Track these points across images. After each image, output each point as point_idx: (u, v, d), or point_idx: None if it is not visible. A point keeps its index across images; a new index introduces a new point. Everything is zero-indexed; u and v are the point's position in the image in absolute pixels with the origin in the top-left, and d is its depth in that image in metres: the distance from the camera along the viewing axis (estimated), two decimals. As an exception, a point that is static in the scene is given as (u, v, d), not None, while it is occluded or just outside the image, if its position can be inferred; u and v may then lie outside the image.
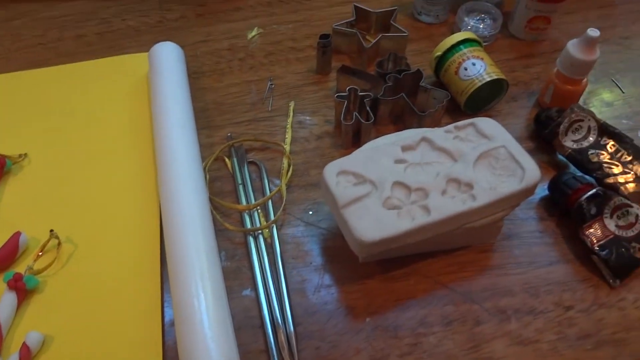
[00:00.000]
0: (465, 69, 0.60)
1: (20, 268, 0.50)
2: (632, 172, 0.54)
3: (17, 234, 0.51)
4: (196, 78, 0.68)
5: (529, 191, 0.47)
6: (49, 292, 0.49)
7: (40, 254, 0.51)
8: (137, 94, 0.65)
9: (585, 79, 0.60)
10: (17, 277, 0.47)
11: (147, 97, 0.64)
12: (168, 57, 0.64)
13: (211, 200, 0.54)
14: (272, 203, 0.55)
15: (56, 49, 0.73)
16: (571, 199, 0.52)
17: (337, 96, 0.59)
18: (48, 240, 0.51)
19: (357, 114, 0.58)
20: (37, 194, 0.56)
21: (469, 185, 0.46)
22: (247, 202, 0.55)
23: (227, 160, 0.59)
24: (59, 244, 0.51)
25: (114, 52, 0.71)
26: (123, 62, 0.70)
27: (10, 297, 0.47)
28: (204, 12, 0.77)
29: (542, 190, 0.56)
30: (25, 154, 0.59)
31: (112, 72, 0.68)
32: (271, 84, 0.67)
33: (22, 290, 0.47)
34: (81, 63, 0.70)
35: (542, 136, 0.59)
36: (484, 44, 0.68)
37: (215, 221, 0.52)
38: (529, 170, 0.47)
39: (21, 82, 0.68)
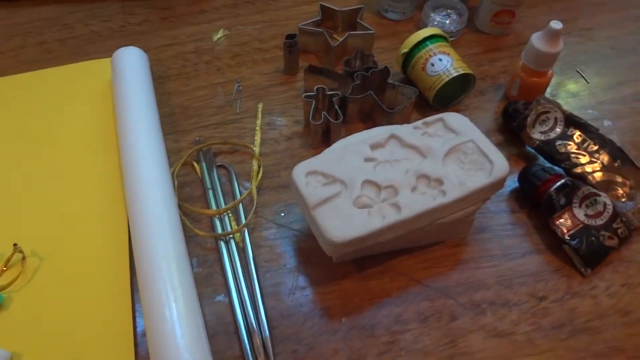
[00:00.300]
0: (432, 65, 0.61)
1: (-16, 285, 0.48)
2: (598, 162, 0.55)
3: (-21, 250, 0.49)
4: (161, 82, 0.67)
5: (498, 184, 0.47)
6: (14, 308, 0.47)
7: (4, 269, 0.49)
8: (101, 100, 0.64)
9: (550, 71, 0.61)
10: (-20, 295, 0.46)
11: (112, 104, 0.63)
12: (131, 62, 0.62)
13: (180, 207, 0.53)
14: (242, 206, 0.54)
15: (17, 56, 0.71)
16: (540, 190, 0.52)
17: (305, 96, 0.59)
18: (12, 255, 0.49)
19: (325, 114, 0.58)
20: (0, 207, 0.54)
21: (439, 181, 0.46)
22: (217, 206, 0.54)
23: (195, 164, 0.58)
24: (24, 258, 0.49)
25: (78, 59, 0.70)
26: (86, 69, 0.68)
27: (-27, 316, 0.45)
28: (168, 15, 0.76)
29: (512, 183, 0.56)
30: (-15, 167, 0.57)
31: (75, 79, 0.67)
32: (238, 86, 0.66)
33: (-14, 307, 0.46)
34: (43, 70, 0.68)
35: (510, 129, 0.59)
36: (450, 39, 0.68)
37: (185, 227, 0.51)
38: (498, 164, 0.47)
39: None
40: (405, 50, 0.63)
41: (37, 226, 0.53)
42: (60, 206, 0.54)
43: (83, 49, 0.72)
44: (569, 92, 0.66)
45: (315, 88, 0.59)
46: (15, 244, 0.50)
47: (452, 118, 0.51)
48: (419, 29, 0.65)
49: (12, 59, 0.71)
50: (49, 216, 0.53)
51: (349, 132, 0.54)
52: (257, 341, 0.45)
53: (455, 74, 0.59)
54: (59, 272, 0.49)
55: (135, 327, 0.46)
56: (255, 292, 0.48)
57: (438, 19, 0.71)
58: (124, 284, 0.48)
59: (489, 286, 0.49)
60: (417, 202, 0.45)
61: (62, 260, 0.50)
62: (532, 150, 0.58)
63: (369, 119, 0.62)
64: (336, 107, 0.58)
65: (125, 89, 0.59)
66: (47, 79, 0.67)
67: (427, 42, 0.62)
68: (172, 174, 0.56)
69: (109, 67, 0.65)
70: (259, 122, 0.62)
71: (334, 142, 0.52)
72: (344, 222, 0.44)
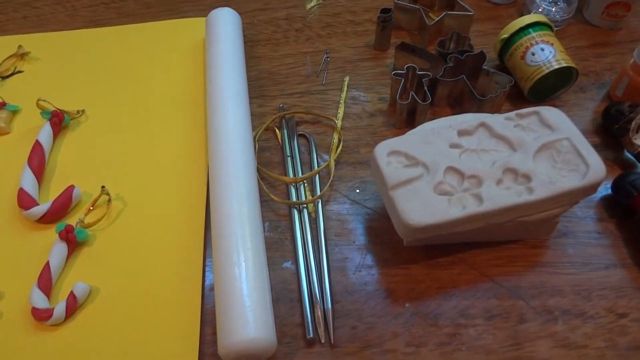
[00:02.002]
0: (533, 54, 0.57)
1: (72, 220, 0.51)
2: None
3: (71, 187, 0.52)
4: (252, 46, 0.67)
5: (591, 189, 0.45)
6: (97, 245, 0.50)
7: (91, 208, 0.52)
8: (193, 58, 0.66)
9: (664, 74, 0.56)
10: (69, 229, 0.49)
11: (203, 62, 0.64)
12: (225, 23, 0.63)
13: (259, 171, 0.54)
14: (319, 178, 0.54)
15: (118, 9, 0.74)
16: (636, 201, 0.49)
17: (394, 74, 0.58)
18: (99, 196, 0.52)
19: (413, 94, 0.56)
20: (92, 151, 0.57)
21: (527, 177, 0.44)
22: (295, 174, 0.55)
23: (277, 131, 0.58)
24: (110, 200, 0.52)
25: (173, 15, 0.72)
26: (181, 26, 0.70)
27: (61, 248, 0.48)
28: (265, -21, 0.76)
29: (605, 189, 0.53)
30: (83, 111, 0.61)
31: (170, 35, 0.69)
32: (327, 57, 0.66)
33: (73, 242, 0.49)
34: (141, 24, 0.71)
35: (610, 132, 0.56)
36: (555, 28, 0.64)
37: (261, 191, 0.52)
38: (594, 166, 0.44)
39: (83, 40, 0.69)
40: (505, 35, 0.60)
41: (124, 172, 0.55)
42: (147, 156, 0.57)
43: (179, 7, 0.74)
44: (682, 98, 0.61)
45: (405, 67, 0.58)
46: (102, 186, 0.52)
47: (549, 112, 0.48)
48: (522, 14, 0.62)
49: (113, 11, 0.74)
50: (136, 164, 0.56)
51: (435, 116, 0.52)
52: (319, 312, 0.45)
53: (557, 67, 0.56)
54: (140, 218, 0.52)
55: (204, 280, 0.48)
56: (322, 264, 0.48)
57: (544, 6, 0.67)
58: (197, 238, 0.50)
59: (564, 294, 0.47)
60: (500, 196, 0.43)
61: (144, 207, 0.53)
62: (632, 157, 0.54)
63: (458, 105, 0.60)
64: (425, 88, 0.57)
65: (218, 49, 0.61)
66: (144, 32, 0.70)
67: (530, 30, 0.59)
68: (254, 138, 0.56)
69: (203, 26, 0.67)
70: (343, 95, 0.61)
71: (419, 124, 0.51)
72: (422, 207, 0.43)
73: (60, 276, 0.48)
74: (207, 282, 0.48)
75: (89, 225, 0.51)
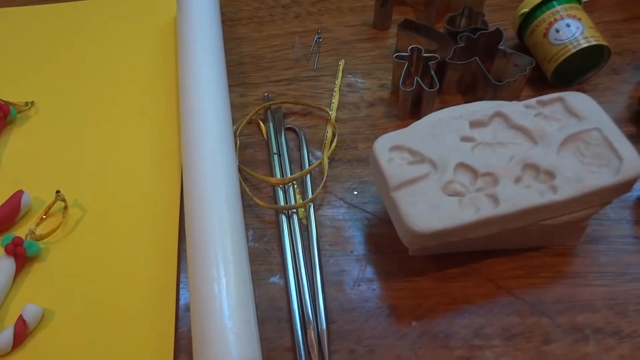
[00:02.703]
0: (557, 31, 0.58)
1: (21, 232, 0.52)
2: None
3: (19, 193, 0.53)
4: (231, 26, 0.68)
5: (625, 186, 0.45)
6: (51, 260, 0.51)
7: (44, 217, 0.53)
8: (163, 38, 0.66)
9: None
10: (17, 242, 0.49)
11: (174, 44, 0.65)
12: (199, -2, 0.64)
13: (241, 170, 0.54)
14: (310, 178, 0.55)
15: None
16: (677, 200, 0.50)
17: (396, 56, 0.59)
18: (53, 202, 0.53)
19: (419, 79, 0.57)
20: (44, 149, 0.58)
21: (550, 174, 0.45)
22: (282, 175, 0.55)
23: (261, 124, 0.59)
24: (66, 207, 0.53)
25: (140, -10, 0.72)
26: (149, 2, 0.71)
27: (8, 264, 0.49)
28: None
29: (641, 187, 0.54)
30: (32, 102, 0.61)
31: (135, 13, 0.69)
32: (319, 38, 0.67)
33: (22, 256, 0.49)
34: (101, 0, 0.71)
35: (647, 120, 0.57)
36: (583, 1, 0.65)
37: (244, 194, 0.53)
38: (628, 161, 0.45)
39: (30, 18, 0.70)
40: (525, 10, 0.61)
41: (83, 174, 0.56)
42: (109, 155, 0.57)
43: (147, -20, 0.74)
44: None
45: (409, 48, 0.59)
46: (57, 191, 0.53)
47: (576, 99, 0.49)
48: (545, -15, 0.63)
49: (70, -15, 0.74)
50: (97, 165, 0.56)
51: (444, 105, 0.53)
52: (312, 334, 0.46)
53: (586, 45, 0.57)
54: (102, 228, 0.52)
55: (178, 300, 0.49)
56: (316, 278, 0.49)
57: (570, -24, 0.68)
58: (170, 250, 0.51)
59: (596, 309, 0.47)
60: (520, 197, 0.44)
61: (107, 215, 0.53)
62: (672, 150, 0.55)
63: (470, 91, 0.61)
64: (432, 72, 0.57)
65: (191, 29, 0.61)
66: (104, 9, 0.70)
67: (554, 2, 0.60)
68: (235, 133, 0.57)
69: (174, 2, 0.67)
70: (338, 82, 0.62)
71: (425, 114, 0.52)
72: (429, 210, 0.43)
73: (6, 297, 0.49)
74: (181, 302, 0.49)
75: (42, 237, 0.51)
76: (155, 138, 0.58)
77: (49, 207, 0.53)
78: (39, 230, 0.51)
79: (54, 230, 0.52)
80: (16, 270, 0.49)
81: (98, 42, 0.67)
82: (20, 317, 0.46)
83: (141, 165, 0.56)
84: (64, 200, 0.53)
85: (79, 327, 0.47)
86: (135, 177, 0.55)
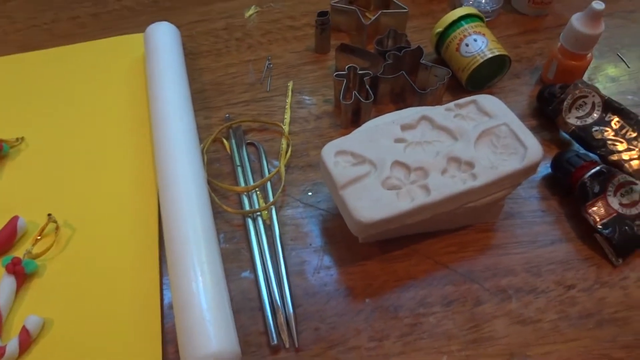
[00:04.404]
0: (467, 45, 0.59)
1: (19, 252, 0.50)
2: (636, 149, 0.53)
3: (15, 218, 0.51)
4: (193, 59, 0.67)
5: (531, 169, 0.46)
6: (48, 276, 0.49)
7: (38, 238, 0.50)
8: (134, 75, 0.65)
9: (589, 54, 0.59)
10: (16, 261, 0.47)
11: (144, 79, 0.63)
12: (164, 37, 0.63)
13: (209, 183, 0.53)
14: (271, 184, 0.54)
15: (50, 30, 0.72)
16: (574, 177, 0.51)
17: (336, 75, 0.58)
18: (46, 224, 0.51)
19: (356, 93, 0.57)
20: (35, 178, 0.56)
21: (470, 164, 0.46)
22: (246, 183, 0.54)
23: (225, 141, 0.58)
24: (57, 227, 0.51)
25: (110, 34, 0.70)
26: (119, 44, 0.69)
27: (9, 282, 0.47)
28: (200, -10, 0.76)
29: (545, 169, 0.55)
30: (22, 138, 0.59)
31: (107, 54, 0.68)
32: (269, 64, 0.66)
33: (21, 274, 0.47)
34: (76, 45, 0.69)
35: (545, 113, 0.58)
36: (486, 19, 0.66)
37: (213, 203, 0.52)
38: (531, 148, 0.46)
39: (16, 65, 0.67)
40: (440, 29, 0.62)
41: (70, 197, 0.54)
42: (92, 179, 0.55)
43: (115, 24, 0.72)
44: (609, 76, 0.64)
45: (346, 67, 0.59)
46: (49, 214, 0.51)
47: (486, 100, 0.50)
48: (454, 8, 0.64)
49: (46, 33, 0.72)
50: (82, 188, 0.55)
51: (380, 113, 0.53)
52: (281, 318, 0.45)
53: (491, 55, 0.58)
54: (91, 243, 0.51)
55: (162, 299, 0.47)
56: (281, 270, 0.48)
57: (474, -1, 0.69)
58: (152, 257, 0.49)
59: (516, 273, 0.48)
60: (446, 185, 0.44)
61: (94, 231, 0.51)
62: (567, 136, 0.56)
63: (400, 100, 0.61)
64: (367, 86, 0.58)
65: (158, 64, 0.60)
66: (80, 53, 0.68)
67: (462, 22, 0.61)
68: (202, 150, 0.56)
69: (141, 42, 0.66)
70: (289, 100, 0.62)
71: (364, 122, 0.51)
72: (372, 203, 0.43)
73: (10, 311, 0.46)
74: (165, 301, 0.47)
75: (38, 256, 0.49)
76: (133, 161, 0.56)
77: (43, 229, 0.51)
78: (35, 250, 0.49)
79: (48, 249, 0.50)
80: (17, 286, 0.47)
81: (77, 81, 0.65)
82: (24, 327, 0.44)
83: (122, 186, 0.54)
84: (55, 221, 0.51)
85: (76, 332, 0.45)
86: (117, 196, 0.54)
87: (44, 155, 0.58)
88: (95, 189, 0.54)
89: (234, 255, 0.50)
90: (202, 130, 0.59)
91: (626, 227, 0.48)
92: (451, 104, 0.51)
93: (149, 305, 0.47)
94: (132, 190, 0.54)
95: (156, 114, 0.56)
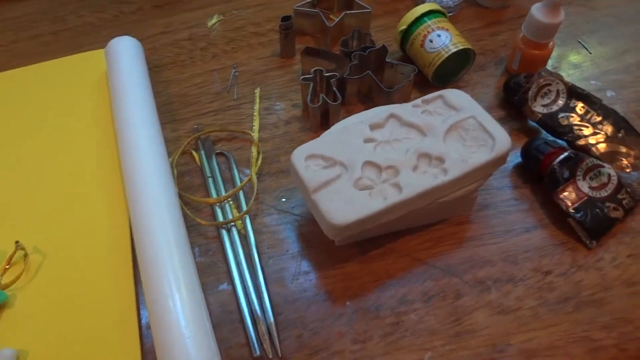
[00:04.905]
0: (431, 41, 0.59)
1: (-12, 283, 0.48)
2: (602, 133, 0.54)
3: (-18, 248, 0.49)
4: (157, 71, 0.66)
5: (500, 160, 0.47)
6: (19, 306, 0.47)
7: (7, 267, 0.49)
8: (97, 92, 0.63)
9: (551, 43, 0.59)
10: (-15, 293, 0.46)
11: (108, 95, 0.62)
12: (125, 52, 0.62)
13: (180, 196, 0.52)
14: (243, 194, 0.54)
15: (11, 51, 0.70)
16: (544, 164, 0.51)
17: (302, 79, 0.58)
18: (14, 252, 0.49)
19: (324, 96, 0.57)
20: (0, 205, 0.54)
21: (440, 159, 0.46)
22: (218, 194, 0.54)
23: (194, 153, 0.57)
24: (26, 255, 0.49)
25: (72, 51, 0.69)
26: (81, 61, 0.68)
27: (-20, 314, 0.45)
28: (161, 3, 0.75)
29: (515, 158, 0.55)
30: (-15, 164, 0.57)
31: (70, 72, 0.66)
32: (235, 72, 0.65)
33: (-9, 305, 0.46)
34: (38, 65, 0.67)
35: (512, 103, 0.58)
36: (449, 14, 0.67)
37: (186, 217, 0.51)
38: (499, 139, 0.46)
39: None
40: (403, 27, 0.62)
41: (37, 223, 0.52)
42: (60, 201, 0.54)
43: (77, 41, 0.71)
44: (571, 63, 0.65)
45: (312, 70, 0.58)
46: (17, 242, 0.49)
47: (452, 94, 0.50)
48: (417, 5, 0.64)
49: (5, 54, 0.70)
50: (49, 212, 0.53)
51: (349, 114, 0.53)
52: (262, 328, 0.45)
53: (455, 50, 0.58)
54: (62, 268, 0.49)
55: (140, 319, 0.46)
56: (259, 279, 0.48)
57: (435, -6, 0.69)
58: (127, 277, 0.48)
59: (493, 263, 0.48)
60: (418, 182, 0.44)
61: (65, 256, 0.50)
62: (535, 124, 0.57)
63: (368, 100, 0.61)
64: (334, 88, 0.57)
65: (121, 79, 0.59)
66: (42, 73, 0.66)
67: (425, 19, 0.61)
68: (171, 164, 0.55)
69: (103, 58, 0.64)
70: (256, 107, 0.61)
71: (333, 124, 0.51)
72: (345, 205, 0.43)
73: (-18, 344, 0.45)
74: (143, 321, 0.46)
75: (7, 286, 0.48)
76: (101, 180, 0.55)
77: (11, 257, 0.49)
78: (4, 280, 0.48)
79: (18, 277, 0.48)
80: (-13, 318, 0.46)
81: (40, 101, 0.63)
82: (-3, 361, 0.43)
83: (91, 207, 0.53)
84: (23, 248, 0.49)
85: (53, 360, 0.44)
86: (87, 218, 0.52)
87: (8, 180, 0.56)
88: (64, 212, 0.53)
89: (210, 268, 0.49)
90: (170, 143, 0.58)
91: (597, 210, 0.49)
92: (418, 101, 0.51)
93: (126, 327, 0.45)
94: (102, 211, 0.53)
95: (122, 131, 0.54)
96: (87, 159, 0.57)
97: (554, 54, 0.63)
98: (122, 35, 0.64)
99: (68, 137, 0.59)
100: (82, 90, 0.64)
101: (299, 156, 0.46)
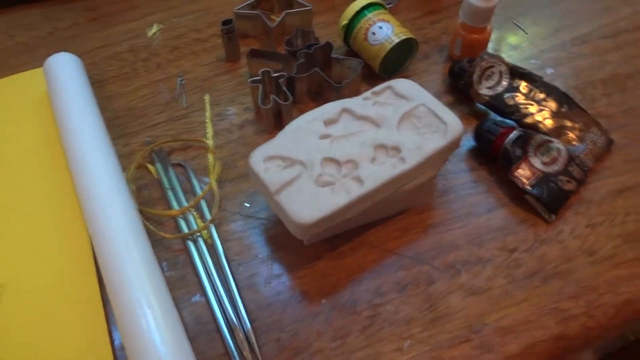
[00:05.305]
0: (374, 34, 0.60)
1: (-59, 324, 0.45)
2: (547, 109, 0.55)
3: None
4: (100, 87, 0.63)
5: (454, 144, 0.47)
6: (-19, 341, 0.45)
7: (-39, 304, 0.46)
8: (39, 113, 0.60)
9: (489, 26, 0.61)
10: (-61, 335, 0.43)
11: (52, 115, 0.59)
12: (65, 68, 0.59)
13: (141, 211, 0.51)
14: (205, 202, 0.52)
15: (-61, 79, 0.66)
16: (496, 145, 0.53)
17: (250, 81, 0.57)
18: (-33, 288, 0.46)
19: (274, 97, 0.56)
20: (-54, 241, 0.51)
21: (396, 149, 0.46)
22: (179, 206, 0.52)
23: (150, 166, 0.55)
24: (-19, 289, 0.47)
25: (7, 72, 0.65)
26: (18, 81, 0.64)
27: None
28: (96, 16, 0.72)
29: (468, 142, 0.56)
30: None
31: (7, 94, 0.63)
32: (181, 80, 0.64)
33: (-53, 347, 0.43)
34: (-31, 90, 0.64)
35: (458, 88, 0.60)
36: (388, 6, 0.68)
37: (149, 232, 0.49)
38: (451, 124, 0.47)
39: None
40: (345, 22, 0.62)
41: (-9, 255, 0.49)
42: (14, 230, 0.51)
43: (11, 62, 0.67)
44: (510, 45, 0.67)
45: (260, 72, 0.58)
46: (-31, 277, 0.47)
47: (401, 84, 0.51)
48: (356, -1, 0.64)
49: None
50: (5, 241, 0.50)
51: (301, 112, 0.52)
52: (240, 336, 0.44)
53: (398, 40, 0.59)
54: (24, 297, 0.47)
55: (112, 342, 0.44)
56: (231, 287, 0.47)
57: (374, -13, 0.70)
58: (94, 300, 0.46)
59: (460, 246, 0.49)
60: (378, 173, 0.45)
61: (25, 284, 0.47)
62: (483, 107, 0.58)
63: (319, 97, 0.61)
64: (284, 88, 0.57)
65: (63, 97, 0.56)
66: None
67: (365, 12, 0.61)
68: (127, 179, 0.53)
69: (42, 77, 0.61)
70: (208, 114, 0.60)
71: (287, 124, 0.51)
72: (309, 203, 0.43)
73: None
74: (116, 342, 0.45)
75: (-37, 324, 0.45)
76: (55, 205, 0.53)
77: (-36, 294, 0.46)
78: (-41, 318, 0.45)
79: (-26, 314, 0.45)
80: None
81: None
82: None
83: (48, 232, 0.51)
84: (-23, 283, 0.47)
85: (22, 396, 0.42)
86: (45, 244, 0.50)
87: (-48, 215, 0.53)
88: (19, 240, 0.50)
89: (180, 282, 0.48)
90: (123, 158, 0.56)
91: (552, 184, 0.50)
92: (368, 93, 0.51)
93: (98, 352, 0.44)
94: (60, 235, 0.50)
95: (71, 150, 0.52)
96: (38, 183, 0.54)
97: (493, 37, 0.65)
98: (60, 52, 0.61)
99: (13, 162, 0.56)
100: (22, 112, 0.61)
101: (257, 159, 0.46)
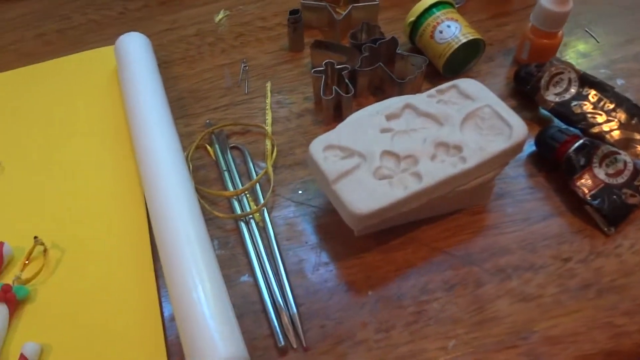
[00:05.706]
0: (441, 32, 0.59)
1: (8, 279, 0.48)
2: (615, 120, 0.54)
3: (0, 245, 0.49)
4: (166, 67, 0.66)
5: (517, 148, 0.47)
6: (40, 300, 0.47)
7: (26, 262, 0.49)
8: (108, 89, 0.63)
9: (560, 32, 0.60)
10: (6, 288, 0.45)
11: (119, 92, 0.62)
12: (135, 48, 0.61)
13: (197, 190, 0.52)
14: (259, 186, 0.54)
15: (18, 50, 0.70)
16: (559, 152, 0.51)
17: (314, 72, 0.58)
18: (33, 248, 0.49)
19: (336, 88, 0.57)
20: (17, 202, 0.54)
21: (458, 148, 0.46)
22: (234, 187, 0.54)
23: (209, 147, 0.57)
24: (45, 250, 0.49)
25: (79, 49, 0.69)
26: (89, 58, 0.67)
27: (2, 310, 0.45)
28: (167, -1, 0.75)
29: (529, 147, 0.55)
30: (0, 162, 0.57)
31: (79, 70, 0.66)
32: (245, 66, 0.65)
33: (13, 301, 0.46)
34: (46, 63, 0.67)
35: (523, 93, 0.59)
36: (456, 5, 0.67)
37: (204, 210, 0.51)
38: (516, 127, 0.46)
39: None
40: (412, 19, 0.62)
41: (56, 218, 0.52)
42: (77, 197, 0.54)
43: (83, 39, 0.71)
44: (580, 52, 0.65)
45: (323, 63, 0.58)
46: (35, 237, 0.49)
47: (466, 84, 0.50)
48: (424, -3, 0.64)
49: (12, 53, 0.70)
50: (67, 207, 0.53)
51: (360, 106, 0.53)
52: (285, 319, 0.45)
53: (465, 40, 0.58)
54: (82, 263, 0.49)
55: (162, 312, 0.46)
56: (280, 271, 0.48)
57: (442, -14, 0.69)
58: (147, 270, 0.48)
59: (512, 251, 0.48)
60: (437, 170, 0.44)
61: (84, 251, 0.50)
62: (547, 113, 0.57)
63: (380, 91, 0.61)
64: (346, 81, 0.57)
65: (132, 75, 0.59)
66: (50, 71, 0.66)
67: (434, 10, 0.61)
68: (187, 158, 0.55)
69: (112, 55, 0.64)
70: (268, 101, 0.61)
71: (346, 116, 0.51)
72: (366, 194, 0.43)
73: (5, 340, 0.45)
74: (166, 314, 0.46)
75: (28, 281, 0.47)
76: (116, 175, 0.55)
77: (30, 253, 0.49)
78: (25, 275, 0.48)
79: (38, 273, 0.48)
80: (10, 314, 0.45)
81: (50, 99, 0.63)
82: (22, 355, 0.42)
83: (107, 202, 0.53)
84: (42, 244, 0.49)
85: (77, 355, 0.44)
86: (104, 213, 0.52)
87: (24, 178, 0.56)
88: (81, 207, 0.53)
89: (230, 261, 0.49)
90: (183, 138, 0.58)
91: (615, 197, 0.49)
92: (432, 91, 0.51)
93: (149, 319, 0.45)
94: (119, 205, 0.53)
95: (136, 126, 0.54)
96: (102, 154, 0.57)
97: (561, 43, 0.63)
98: (129, 32, 0.63)
99: (80, 134, 0.59)
100: (92, 87, 0.63)
101: (317, 147, 0.46)
